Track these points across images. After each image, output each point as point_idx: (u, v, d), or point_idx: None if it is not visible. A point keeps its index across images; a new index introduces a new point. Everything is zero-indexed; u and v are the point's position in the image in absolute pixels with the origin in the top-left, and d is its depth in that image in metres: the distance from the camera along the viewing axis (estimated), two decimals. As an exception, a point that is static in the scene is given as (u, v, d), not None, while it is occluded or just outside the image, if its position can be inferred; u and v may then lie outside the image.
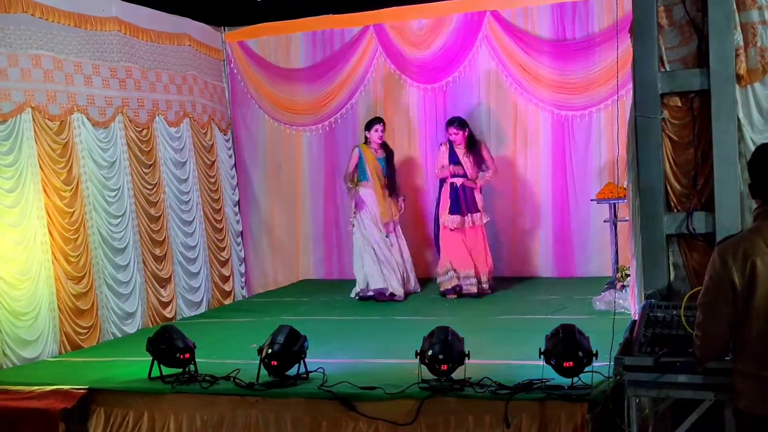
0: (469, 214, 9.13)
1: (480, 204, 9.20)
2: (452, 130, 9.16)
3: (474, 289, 9.10)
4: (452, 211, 9.15)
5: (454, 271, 9.13)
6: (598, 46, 9.39)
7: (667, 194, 5.02)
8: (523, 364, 5.77)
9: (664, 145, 4.98)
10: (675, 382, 4.03)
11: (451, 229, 9.16)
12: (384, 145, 9.51)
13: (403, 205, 9.59)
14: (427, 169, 10.28)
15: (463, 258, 9.13)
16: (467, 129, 9.20)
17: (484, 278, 9.19)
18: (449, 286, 9.16)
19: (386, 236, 9.39)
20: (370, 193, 9.36)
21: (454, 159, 9.17)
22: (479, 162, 9.21)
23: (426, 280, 9.98)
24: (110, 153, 8.51)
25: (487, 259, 9.24)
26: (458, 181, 9.14)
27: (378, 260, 9.30)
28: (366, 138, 9.47)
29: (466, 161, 9.16)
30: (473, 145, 9.22)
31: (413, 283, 9.63)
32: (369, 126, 9.45)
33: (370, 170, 9.34)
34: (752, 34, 4.80)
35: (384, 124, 9.47)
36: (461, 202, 9.13)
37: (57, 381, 6.21)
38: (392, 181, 9.53)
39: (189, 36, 9.96)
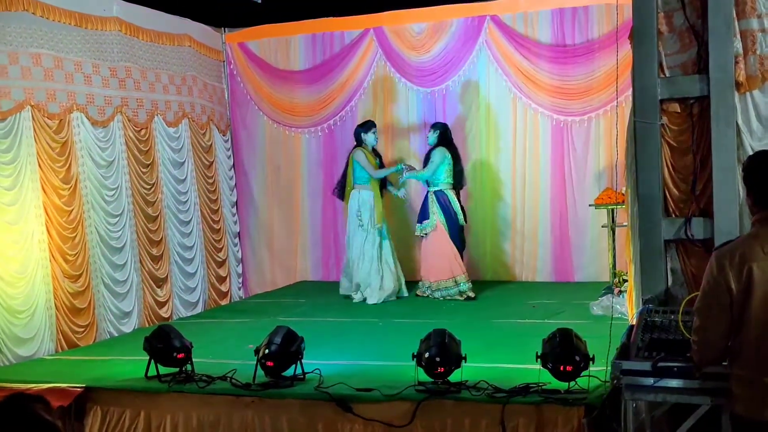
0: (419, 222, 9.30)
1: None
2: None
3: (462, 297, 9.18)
4: (419, 219, 9.35)
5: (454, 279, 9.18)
6: (598, 52, 9.40)
7: (665, 200, 5.03)
8: (520, 367, 5.78)
9: (663, 150, 5.00)
10: (672, 387, 4.04)
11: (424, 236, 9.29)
12: (374, 149, 9.51)
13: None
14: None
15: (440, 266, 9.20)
16: (438, 131, 9.24)
17: (464, 281, 9.20)
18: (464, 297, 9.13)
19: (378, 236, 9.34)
20: (369, 194, 9.32)
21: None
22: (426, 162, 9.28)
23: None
24: (109, 152, 8.51)
25: (456, 263, 9.21)
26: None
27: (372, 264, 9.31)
28: (362, 140, 9.39)
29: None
30: (433, 149, 9.22)
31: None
32: (367, 128, 9.38)
33: (370, 172, 9.32)
34: (752, 42, 4.83)
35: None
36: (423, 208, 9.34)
37: (53, 379, 6.20)
38: (384, 184, 9.55)
39: (189, 37, 9.97)
